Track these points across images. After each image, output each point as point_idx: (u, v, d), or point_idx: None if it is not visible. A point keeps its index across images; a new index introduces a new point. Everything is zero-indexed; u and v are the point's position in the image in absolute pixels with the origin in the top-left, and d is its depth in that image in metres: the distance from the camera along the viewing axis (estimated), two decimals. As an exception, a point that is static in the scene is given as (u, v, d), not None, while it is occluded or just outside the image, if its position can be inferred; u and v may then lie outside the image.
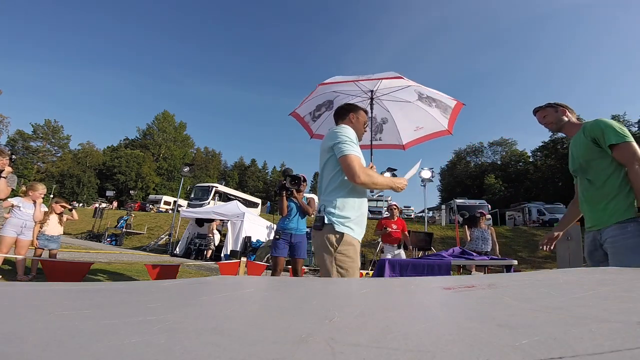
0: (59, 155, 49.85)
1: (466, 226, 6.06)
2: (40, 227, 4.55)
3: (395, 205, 5.92)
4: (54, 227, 4.70)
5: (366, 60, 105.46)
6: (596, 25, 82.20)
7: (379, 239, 10.67)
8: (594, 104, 77.26)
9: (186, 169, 14.23)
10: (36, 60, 78.18)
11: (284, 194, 3.81)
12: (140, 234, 15.45)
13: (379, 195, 21.80)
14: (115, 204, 25.31)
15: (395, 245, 5.37)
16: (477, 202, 22.28)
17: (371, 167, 1.94)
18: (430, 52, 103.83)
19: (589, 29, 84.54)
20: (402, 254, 5.36)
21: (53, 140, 49.38)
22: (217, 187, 25.54)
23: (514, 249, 14.68)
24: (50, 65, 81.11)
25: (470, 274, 4.40)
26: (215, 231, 11.52)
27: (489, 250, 5.64)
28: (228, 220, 11.05)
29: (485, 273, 4.34)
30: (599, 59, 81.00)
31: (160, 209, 27.10)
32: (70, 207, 5.01)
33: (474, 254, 3.72)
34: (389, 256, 5.18)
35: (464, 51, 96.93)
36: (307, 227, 4.18)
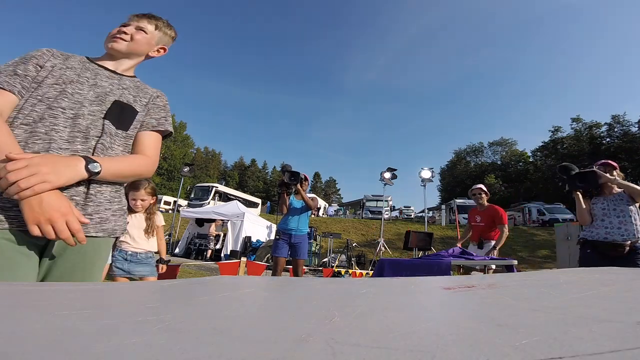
0: (59, 155, 49.73)
1: (579, 194, 2.79)
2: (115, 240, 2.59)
3: None
4: (139, 237, 2.79)
5: (367, 57, 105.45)
6: (596, 23, 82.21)
7: (379, 239, 10.68)
8: (594, 104, 77.25)
9: (186, 169, 14.23)
10: (36, 60, 78.16)
11: (285, 191, 3.81)
12: (140, 234, 15.43)
13: (379, 196, 21.78)
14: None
15: None
16: (477, 202, 22.27)
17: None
18: (431, 50, 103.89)
19: (589, 27, 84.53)
20: None
21: (53, 140, 49.31)
22: (217, 187, 25.54)
23: (513, 248, 14.68)
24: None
25: (470, 273, 4.39)
26: (216, 230, 11.53)
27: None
28: (228, 220, 11.05)
29: (485, 273, 4.33)
30: (600, 59, 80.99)
31: (160, 209, 27.07)
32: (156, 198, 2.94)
33: (474, 254, 3.70)
34: None
35: (464, 49, 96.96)
36: (308, 228, 4.18)
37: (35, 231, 0.84)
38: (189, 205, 23.21)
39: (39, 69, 1.04)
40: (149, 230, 2.83)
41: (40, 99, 0.99)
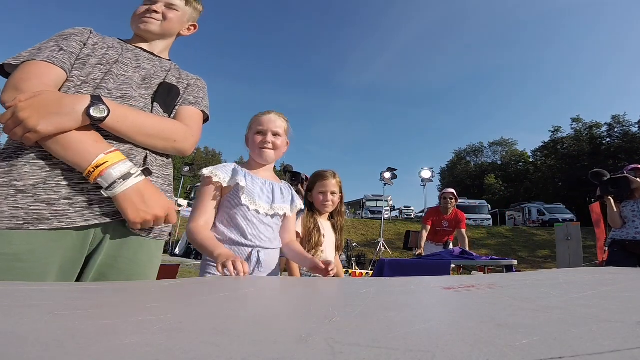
0: (59, 155, 49.74)
1: (611, 199, 2.95)
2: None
3: None
4: (331, 254, 1.90)
5: (371, 58, 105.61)
6: (596, 23, 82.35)
7: (379, 239, 10.69)
8: (593, 104, 77.34)
9: (186, 168, 14.25)
10: (36, 60, 78.22)
11: None
12: (140, 234, 15.42)
13: (379, 196, 21.80)
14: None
15: None
16: (477, 202, 22.30)
17: None
18: (433, 51, 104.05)
19: (589, 27, 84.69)
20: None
21: (53, 140, 49.30)
22: (217, 187, 25.52)
23: (513, 248, 14.69)
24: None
25: (470, 273, 4.40)
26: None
27: None
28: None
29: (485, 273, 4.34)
30: (600, 58, 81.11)
31: (160, 209, 26.98)
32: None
33: (474, 254, 3.71)
34: None
35: (465, 51, 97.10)
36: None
37: (138, 227, 0.83)
38: (189, 205, 23.22)
39: (82, 45, 0.92)
40: (341, 243, 1.96)
41: (85, 80, 0.88)
